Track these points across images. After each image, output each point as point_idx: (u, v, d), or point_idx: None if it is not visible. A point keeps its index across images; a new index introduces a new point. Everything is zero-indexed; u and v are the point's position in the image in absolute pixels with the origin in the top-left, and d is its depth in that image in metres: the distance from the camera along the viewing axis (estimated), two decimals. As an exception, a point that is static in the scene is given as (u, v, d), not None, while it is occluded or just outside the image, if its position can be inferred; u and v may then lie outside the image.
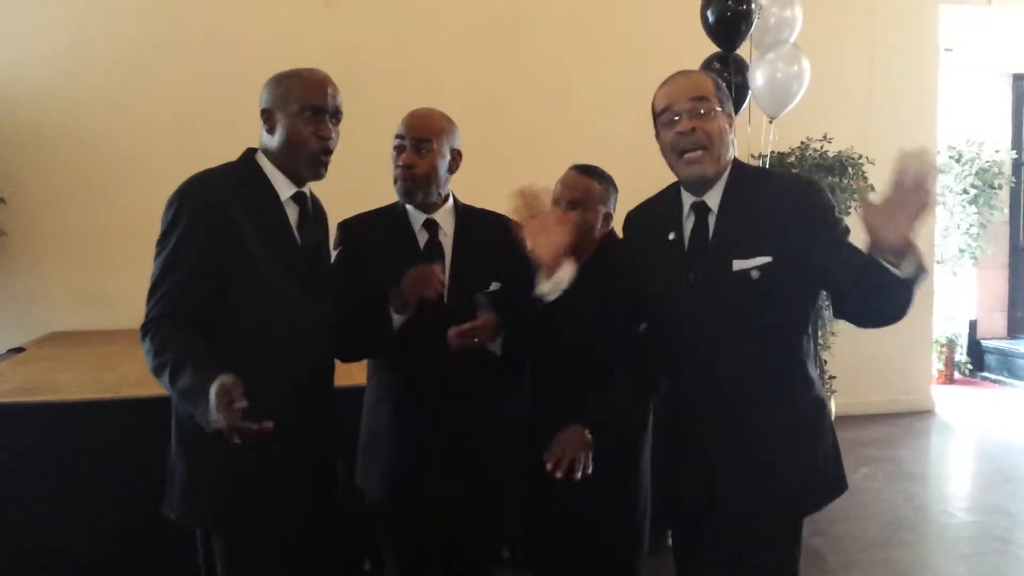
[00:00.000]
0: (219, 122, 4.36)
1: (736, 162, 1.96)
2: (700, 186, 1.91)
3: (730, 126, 1.92)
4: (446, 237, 2.16)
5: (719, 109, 1.89)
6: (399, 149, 2.12)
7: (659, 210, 2.03)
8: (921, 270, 1.57)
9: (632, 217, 2.12)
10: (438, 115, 2.16)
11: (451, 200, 2.21)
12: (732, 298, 1.85)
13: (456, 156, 2.17)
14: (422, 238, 2.15)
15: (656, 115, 1.95)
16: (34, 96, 4.61)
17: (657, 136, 1.96)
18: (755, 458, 1.86)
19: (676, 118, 1.88)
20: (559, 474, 1.89)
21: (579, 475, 1.91)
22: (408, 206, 2.16)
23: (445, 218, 2.17)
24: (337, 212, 2.22)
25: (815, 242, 1.78)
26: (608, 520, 2.20)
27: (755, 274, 1.81)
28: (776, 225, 1.81)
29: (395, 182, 2.13)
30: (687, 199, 1.96)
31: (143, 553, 2.79)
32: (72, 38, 4.65)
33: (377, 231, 2.17)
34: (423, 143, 2.09)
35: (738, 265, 1.82)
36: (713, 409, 1.90)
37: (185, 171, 1.91)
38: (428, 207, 2.15)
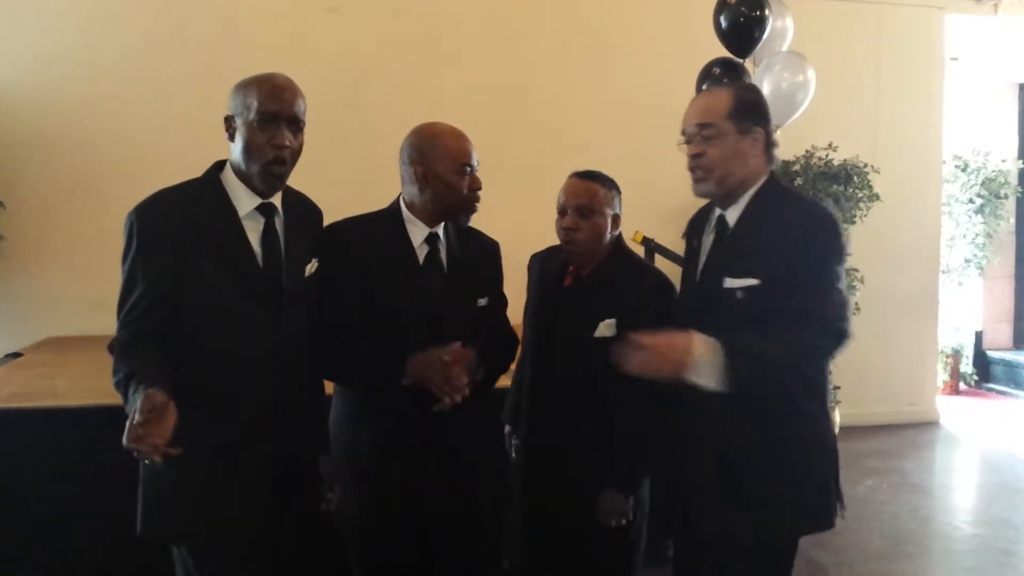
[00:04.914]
0: (220, 128, 4.33)
1: (769, 178, 1.95)
2: (720, 200, 1.96)
3: (753, 141, 1.91)
4: (442, 251, 2.13)
5: (730, 131, 1.88)
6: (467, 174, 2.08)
7: (701, 218, 2.09)
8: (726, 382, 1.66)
9: (690, 222, 2.17)
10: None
11: None
12: (718, 314, 1.87)
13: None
14: (422, 252, 2.10)
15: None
16: (33, 100, 4.61)
17: None
18: (725, 478, 1.86)
19: (688, 141, 1.94)
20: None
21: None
22: (410, 217, 2.10)
23: (440, 232, 2.14)
24: (339, 218, 2.16)
25: (794, 276, 1.78)
26: (604, 532, 2.17)
27: (740, 294, 1.84)
28: (775, 251, 1.82)
29: (459, 203, 2.09)
30: (716, 211, 2.00)
31: (141, 560, 2.74)
32: (73, 42, 4.64)
33: (374, 238, 2.09)
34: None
35: (728, 283, 1.86)
36: (691, 423, 1.93)
37: (185, 176, 1.90)
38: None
